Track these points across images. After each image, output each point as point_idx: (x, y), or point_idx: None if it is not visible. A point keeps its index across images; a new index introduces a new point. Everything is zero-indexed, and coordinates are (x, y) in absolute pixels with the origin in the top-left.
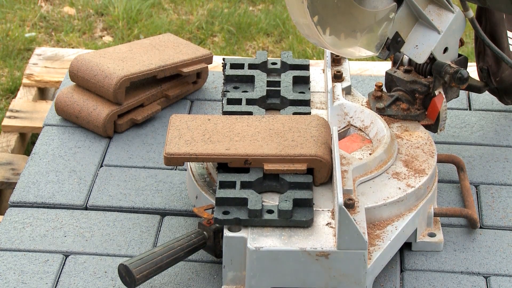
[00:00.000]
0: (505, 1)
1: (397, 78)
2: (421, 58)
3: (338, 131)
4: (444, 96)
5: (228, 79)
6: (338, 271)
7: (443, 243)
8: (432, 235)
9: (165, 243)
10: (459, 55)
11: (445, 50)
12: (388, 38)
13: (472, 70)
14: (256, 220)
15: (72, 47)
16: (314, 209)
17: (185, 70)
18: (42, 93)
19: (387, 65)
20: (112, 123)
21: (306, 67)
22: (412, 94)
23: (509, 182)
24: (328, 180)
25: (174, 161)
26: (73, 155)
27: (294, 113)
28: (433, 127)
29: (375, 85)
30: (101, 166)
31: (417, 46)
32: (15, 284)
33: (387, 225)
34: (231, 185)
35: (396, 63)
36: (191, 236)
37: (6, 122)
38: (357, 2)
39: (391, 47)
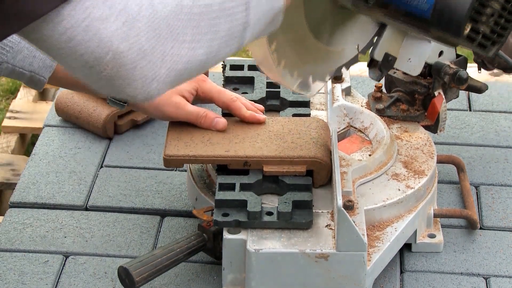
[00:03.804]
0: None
1: (396, 79)
2: (416, 71)
3: (338, 132)
4: (443, 96)
5: (227, 80)
6: (337, 273)
7: (443, 244)
8: (432, 236)
9: (165, 245)
10: (458, 55)
11: (441, 53)
12: (377, 61)
13: (472, 71)
14: (255, 222)
15: None
16: (314, 211)
17: None
18: (42, 93)
19: None
20: (112, 124)
21: None
22: (412, 95)
23: (509, 183)
24: (328, 182)
25: (174, 163)
26: (73, 156)
27: (294, 115)
28: (433, 128)
29: (375, 86)
30: (101, 167)
31: (410, 59)
32: (15, 284)
33: (386, 227)
34: (231, 187)
35: None
36: (190, 238)
37: (6, 122)
38: (330, 44)
39: (383, 68)
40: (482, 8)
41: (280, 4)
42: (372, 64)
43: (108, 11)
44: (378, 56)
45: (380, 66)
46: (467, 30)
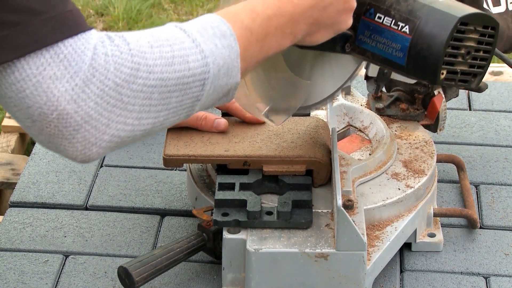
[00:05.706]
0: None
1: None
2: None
3: (338, 131)
4: (443, 96)
5: None
6: (337, 273)
7: (443, 243)
8: (432, 235)
9: (165, 245)
10: None
11: None
12: (371, 77)
13: None
14: (255, 221)
15: None
16: (314, 210)
17: None
18: None
19: None
20: None
21: None
22: (412, 94)
23: (509, 182)
24: (328, 182)
25: (173, 163)
26: None
27: (293, 114)
28: (432, 127)
29: None
30: (101, 166)
31: None
32: (15, 284)
33: (386, 226)
34: (230, 186)
35: None
36: (190, 238)
37: (6, 122)
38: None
39: (379, 81)
40: (456, 50)
41: (236, 80)
42: (368, 77)
43: (63, 71)
44: (373, 73)
45: (377, 79)
46: (444, 75)
